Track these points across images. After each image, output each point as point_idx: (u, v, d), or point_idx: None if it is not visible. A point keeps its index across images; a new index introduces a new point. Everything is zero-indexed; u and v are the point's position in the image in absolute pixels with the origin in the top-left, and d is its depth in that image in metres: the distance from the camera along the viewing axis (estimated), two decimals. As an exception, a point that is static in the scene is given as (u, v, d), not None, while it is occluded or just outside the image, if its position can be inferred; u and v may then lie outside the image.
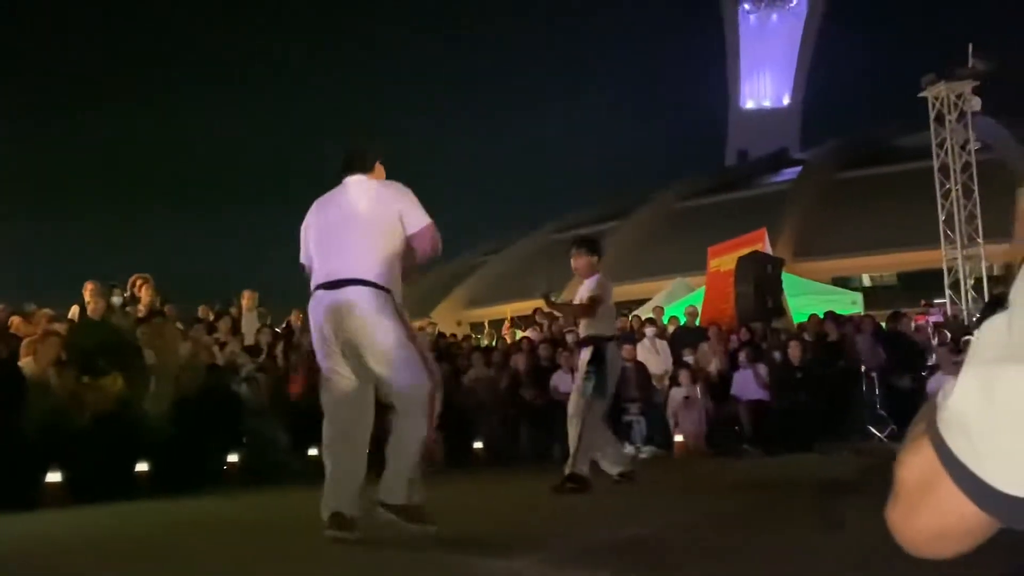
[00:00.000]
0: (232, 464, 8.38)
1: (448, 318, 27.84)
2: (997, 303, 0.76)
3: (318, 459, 8.88)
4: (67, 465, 6.78)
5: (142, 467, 7.37)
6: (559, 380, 10.10)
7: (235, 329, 10.37)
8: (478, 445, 9.98)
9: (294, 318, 11.74)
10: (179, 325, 9.37)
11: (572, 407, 6.56)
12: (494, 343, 13.02)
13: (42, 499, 6.47)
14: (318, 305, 4.31)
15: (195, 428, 7.76)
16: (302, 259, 4.52)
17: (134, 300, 9.62)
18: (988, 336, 0.75)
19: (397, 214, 4.26)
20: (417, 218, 4.29)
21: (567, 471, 6.40)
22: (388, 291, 4.19)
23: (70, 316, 8.83)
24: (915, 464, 0.78)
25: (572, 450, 6.46)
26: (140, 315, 9.08)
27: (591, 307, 6.43)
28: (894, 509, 0.80)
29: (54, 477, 6.73)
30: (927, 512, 0.77)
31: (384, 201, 4.30)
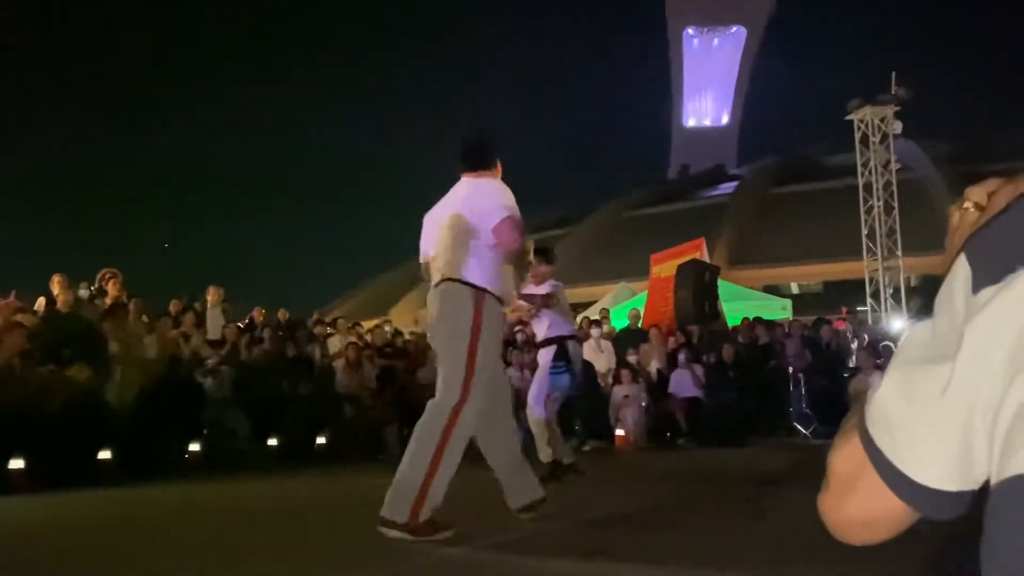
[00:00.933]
0: (194, 453, 8.23)
1: (406, 317, 27.65)
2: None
3: (278, 449, 8.84)
4: (32, 452, 6.59)
5: (105, 455, 7.20)
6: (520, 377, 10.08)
7: (199, 323, 10.20)
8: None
9: (256, 313, 11.60)
10: (145, 318, 9.19)
11: (533, 398, 6.48)
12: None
13: (6, 485, 6.28)
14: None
15: (158, 418, 7.61)
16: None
17: (102, 293, 9.41)
18: (913, 338, 0.77)
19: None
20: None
21: (554, 460, 6.32)
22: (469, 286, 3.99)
23: (36, 308, 8.60)
24: (845, 454, 0.79)
25: (547, 441, 6.36)
26: (107, 308, 8.88)
27: (548, 301, 6.36)
28: (825, 497, 0.81)
29: (17, 464, 6.54)
30: (855, 501, 0.77)
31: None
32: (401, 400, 10.08)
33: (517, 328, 11.83)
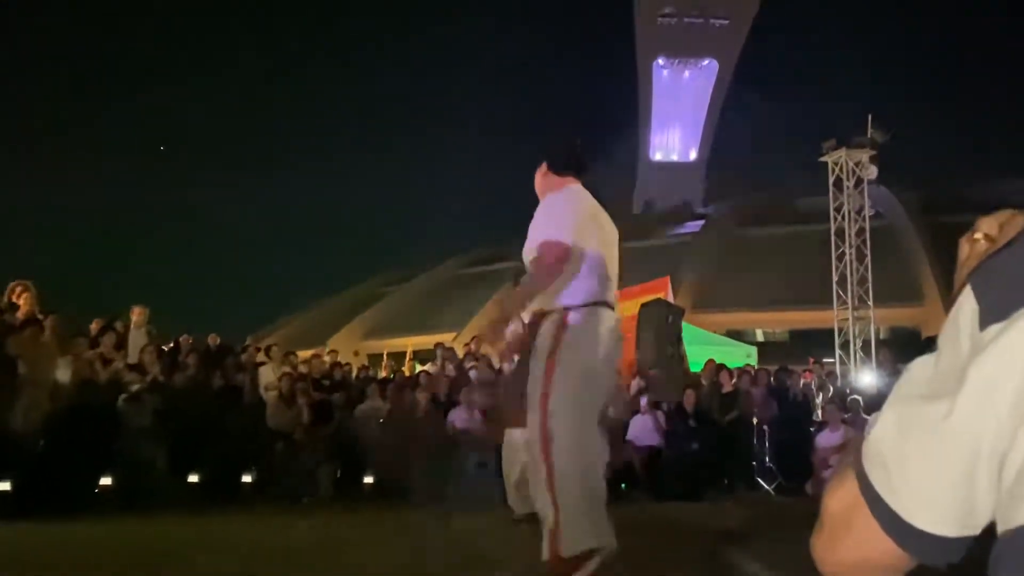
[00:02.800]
0: (104, 487, 8.00)
1: (345, 347, 27.41)
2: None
3: (198, 485, 8.65)
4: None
5: (4, 486, 6.95)
6: (456, 417, 10.02)
7: (120, 345, 9.97)
8: (368, 479, 9.81)
9: (184, 340, 11.37)
10: (58, 337, 8.95)
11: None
12: (392, 375, 12.87)
13: None
14: (609, 325, 3.87)
15: (67, 447, 7.38)
16: (569, 240, 3.76)
17: (12, 308, 9.14)
18: (914, 373, 0.76)
19: None
20: None
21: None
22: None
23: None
24: (840, 493, 0.78)
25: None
26: (16, 324, 8.62)
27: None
28: (818, 538, 0.80)
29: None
30: (849, 542, 0.77)
31: None
32: (338, 438, 9.96)
33: (471, 365, 11.81)
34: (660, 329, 11.77)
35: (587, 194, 4.00)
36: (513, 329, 4.25)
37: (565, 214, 3.81)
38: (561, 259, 3.71)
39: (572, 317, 3.73)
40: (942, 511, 0.72)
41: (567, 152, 4.09)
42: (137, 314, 10.68)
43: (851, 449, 0.79)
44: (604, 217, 4.03)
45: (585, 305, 3.75)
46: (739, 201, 46.82)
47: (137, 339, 10.38)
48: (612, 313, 3.89)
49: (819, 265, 22.92)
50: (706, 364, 12.56)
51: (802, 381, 12.51)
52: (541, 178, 4.07)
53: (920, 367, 0.76)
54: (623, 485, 10.19)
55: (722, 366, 12.30)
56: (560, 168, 4.02)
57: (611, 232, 4.03)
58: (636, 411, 10.66)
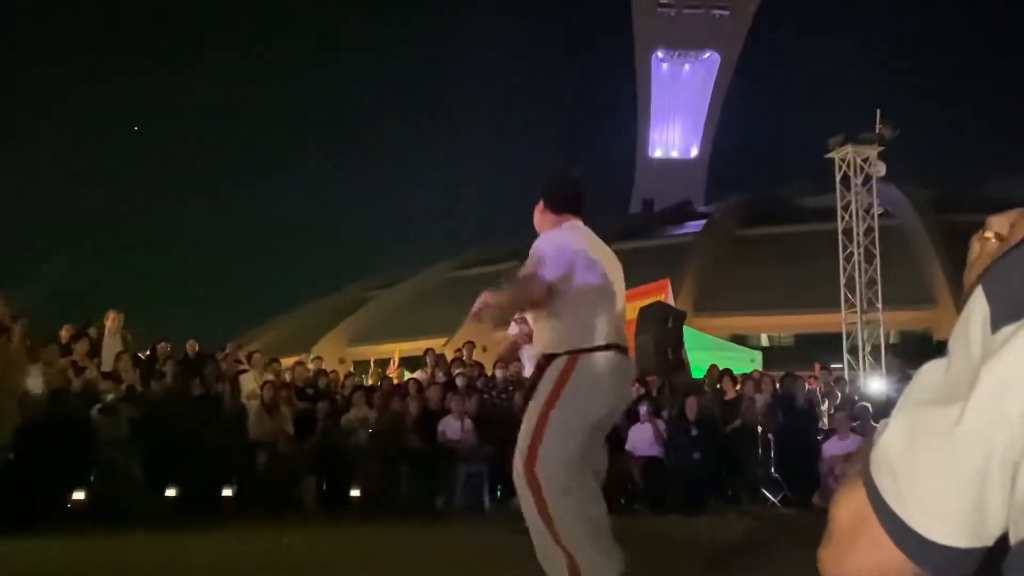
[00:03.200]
0: (78, 502, 7.97)
1: (330, 354, 27.38)
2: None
3: (176, 500, 8.62)
4: None
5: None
6: (447, 426, 10.01)
7: (94, 352, 9.95)
8: (354, 492, 9.80)
9: (161, 348, 11.34)
10: (28, 344, 8.92)
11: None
12: (379, 383, 12.84)
13: None
14: (620, 371, 3.85)
15: (38, 460, 7.36)
16: (555, 277, 3.77)
17: (-21, 314, 9.11)
18: (925, 378, 0.76)
19: None
20: None
21: None
22: None
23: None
24: (848, 503, 0.78)
25: None
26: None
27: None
28: (826, 549, 0.80)
29: None
30: (856, 555, 0.77)
31: None
32: (323, 449, 9.94)
33: (458, 371, 11.80)
34: (660, 333, 11.76)
35: (588, 230, 4.07)
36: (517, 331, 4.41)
37: (561, 249, 3.85)
38: (541, 298, 3.75)
39: (580, 363, 3.74)
40: (952, 521, 0.72)
41: (565, 189, 4.20)
42: (111, 320, 10.66)
43: (859, 458, 0.80)
44: (608, 253, 4.09)
45: (595, 349, 3.75)
46: (742, 199, 46.87)
47: (112, 346, 10.35)
48: (625, 358, 3.89)
49: (826, 266, 22.97)
50: (708, 370, 12.57)
51: (808, 388, 12.53)
52: (539, 216, 4.15)
53: (930, 372, 0.77)
54: (621, 498, 10.19)
55: (725, 372, 12.31)
56: (558, 206, 4.10)
57: (617, 268, 4.07)
58: (635, 419, 10.65)
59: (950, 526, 0.72)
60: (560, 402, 3.69)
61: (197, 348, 11.84)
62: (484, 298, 3.75)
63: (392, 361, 17.83)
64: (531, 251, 3.89)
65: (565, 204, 4.12)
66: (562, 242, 3.89)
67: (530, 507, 3.63)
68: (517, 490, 3.73)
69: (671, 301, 14.42)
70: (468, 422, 10.00)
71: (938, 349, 0.83)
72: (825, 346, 24.37)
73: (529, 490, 3.61)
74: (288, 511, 8.89)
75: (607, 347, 3.77)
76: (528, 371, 5.71)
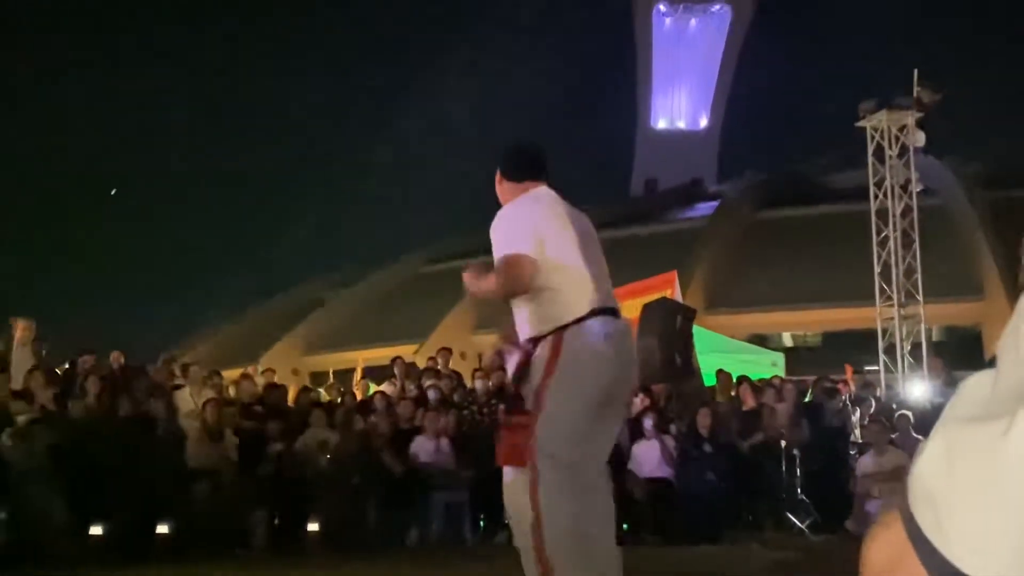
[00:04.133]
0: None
1: (282, 365, 27.25)
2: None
3: (104, 539, 8.58)
4: None
5: None
6: (420, 447, 10.01)
7: (2, 368, 9.89)
8: (312, 527, 9.77)
9: (82, 360, 11.28)
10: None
11: None
12: (340, 398, 12.82)
13: None
14: (616, 335, 4.07)
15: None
16: (531, 251, 3.99)
17: None
18: (969, 391, 0.76)
19: None
20: None
21: None
22: None
23: None
24: (883, 539, 0.78)
25: None
26: None
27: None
28: None
29: None
30: None
31: None
32: (274, 477, 9.92)
33: (431, 383, 11.81)
34: (666, 334, 11.76)
35: (552, 194, 4.29)
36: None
37: (523, 222, 4.08)
38: (528, 273, 3.96)
39: (567, 337, 3.90)
40: (1000, 557, 0.71)
41: (521, 155, 4.48)
42: (21, 329, 10.58)
43: (898, 485, 0.79)
44: (577, 214, 4.31)
45: (581, 320, 3.92)
46: (760, 177, 47.04)
47: (22, 360, 10.28)
48: (618, 320, 4.14)
49: (858, 253, 23.04)
50: (717, 376, 12.61)
51: (839, 395, 12.59)
52: (499, 189, 4.38)
53: (974, 385, 0.77)
54: (624, 525, 10.22)
55: (743, 378, 12.36)
56: (516, 174, 4.34)
57: (589, 228, 4.33)
58: (639, 435, 10.69)
59: (996, 563, 0.71)
60: (554, 382, 3.83)
61: (123, 360, 11.79)
62: (469, 284, 4.05)
63: (355, 372, 17.79)
64: (492, 232, 4.11)
65: (525, 170, 4.36)
66: (522, 214, 4.13)
67: (523, 509, 3.73)
68: (506, 493, 3.89)
69: (679, 297, 14.45)
70: (444, 442, 10.01)
71: (989, 363, 0.83)
72: (858, 346, 24.46)
73: (525, 483, 3.73)
74: (235, 550, 8.86)
75: (592, 313, 3.95)
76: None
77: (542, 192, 4.28)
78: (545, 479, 3.71)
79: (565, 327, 3.90)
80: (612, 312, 4.08)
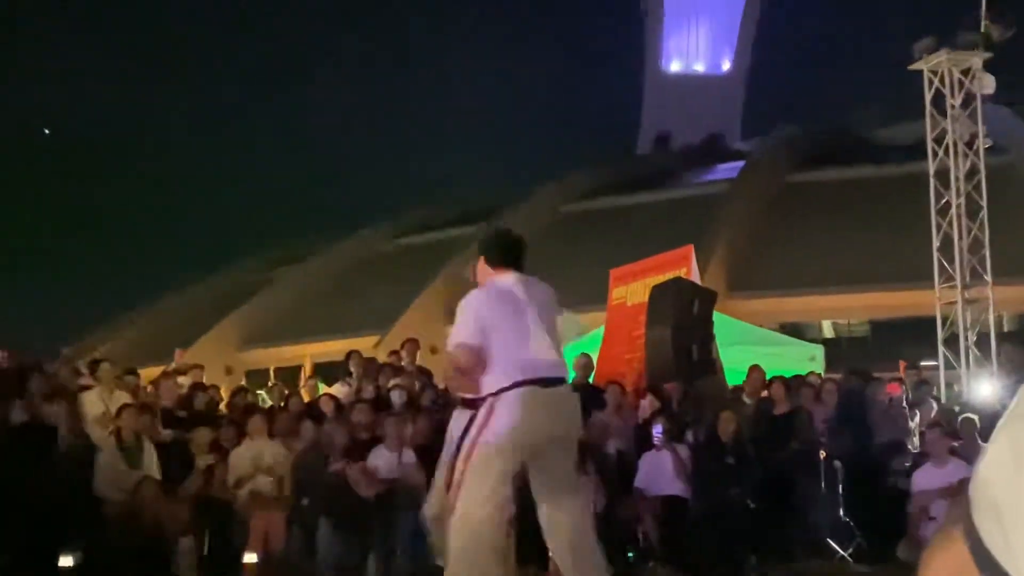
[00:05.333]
0: None
1: (213, 362, 27.23)
2: None
3: (-5, 573, 8.55)
4: None
5: None
6: (381, 460, 10.01)
7: None
8: (250, 557, 9.78)
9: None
10: None
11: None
12: (282, 403, 12.82)
13: None
14: (534, 402, 5.89)
15: None
16: (472, 339, 5.99)
17: None
18: None
19: None
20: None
21: None
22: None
23: None
24: (941, 562, 0.78)
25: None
26: None
27: None
28: None
29: None
30: None
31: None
32: (203, 498, 9.91)
33: (394, 383, 11.82)
34: (680, 323, 11.83)
35: (511, 284, 6.18)
36: None
37: (470, 314, 6.06)
38: (469, 363, 5.95)
39: (500, 403, 5.79)
40: None
41: (499, 244, 6.49)
42: None
43: (959, 497, 0.79)
44: (533, 292, 6.22)
45: (510, 388, 5.79)
46: (794, 132, 47.08)
47: None
48: (540, 390, 5.89)
49: (913, 224, 23.10)
50: (749, 373, 12.66)
51: (890, 395, 12.64)
52: (479, 269, 6.36)
53: None
54: (629, 554, 10.26)
55: (774, 377, 12.40)
56: (491, 259, 6.32)
57: (544, 301, 6.25)
58: (647, 445, 10.71)
59: None
60: (481, 439, 5.76)
61: (16, 357, 11.76)
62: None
63: (302, 370, 17.82)
64: (457, 313, 6.15)
65: (499, 259, 6.33)
66: (473, 306, 6.14)
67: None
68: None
69: (696, 277, 14.49)
70: (409, 454, 10.01)
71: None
72: (913, 336, 24.61)
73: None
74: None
75: (518, 384, 5.78)
76: None
77: (506, 282, 6.19)
78: (455, 529, 5.74)
79: (497, 394, 5.78)
80: (539, 381, 5.86)
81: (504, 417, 5.74)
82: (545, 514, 6.03)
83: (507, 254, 6.34)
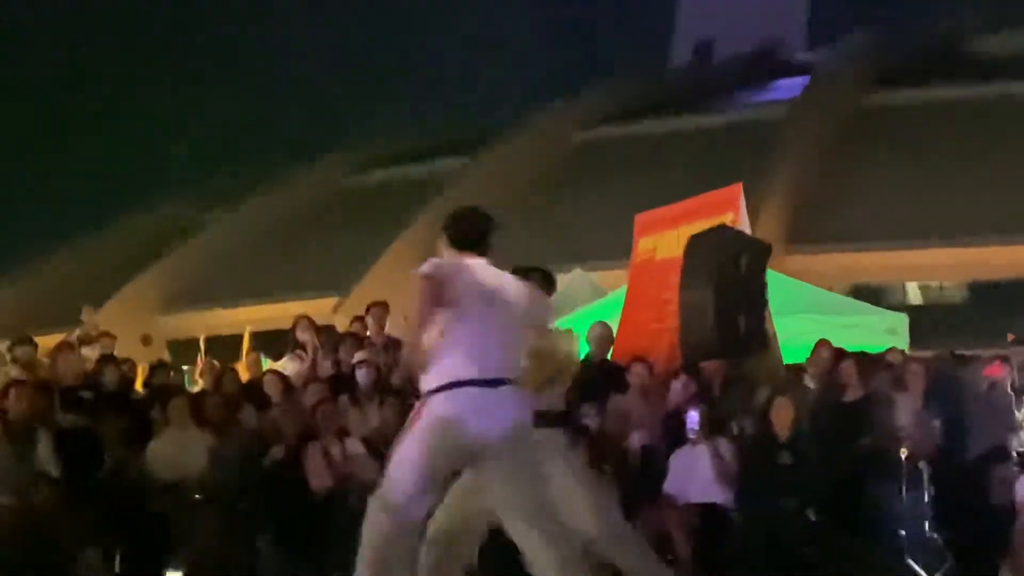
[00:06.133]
0: None
1: (126, 329, 27.11)
2: None
3: None
4: None
5: None
6: (339, 451, 10.06)
7: None
8: (174, 574, 9.85)
9: None
10: None
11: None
12: (214, 381, 12.83)
13: None
14: (457, 404, 6.50)
15: None
16: (415, 336, 6.71)
17: None
18: None
19: None
20: None
21: None
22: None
23: None
24: None
25: None
26: None
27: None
28: None
29: None
30: None
31: None
32: (114, 500, 9.93)
33: (359, 357, 11.83)
34: (724, 284, 11.80)
35: (475, 272, 6.69)
36: None
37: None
38: (411, 352, 6.90)
39: (432, 401, 6.52)
40: None
41: (465, 226, 7.01)
42: None
43: None
44: (499, 283, 6.82)
45: (442, 389, 6.49)
46: (872, 40, 46.90)
47: None
48: (469, 390, 6.49)
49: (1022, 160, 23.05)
50: (814, 349, 12.65)
51: (993, 379, 12.63)
52: (440, 249, 6.92)
53: None
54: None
55: (843, 352, 12.39)
56: (454, 242, 6.89)
57: (509, 295, 6.82)
58: (679, 440, 10.71)
59: None
60: (410, 437, 6.56)
61: None
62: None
63: (242, 341, 17.83)
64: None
65: (462, 242, 6.89)
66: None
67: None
68: None
69: (745, 226, 14.45)
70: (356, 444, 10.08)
71: None
72: (1021, 303, 24.55)
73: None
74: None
75: (448, 385, 6.46)
76: None
77: (469, 268, 6.68)
78: (369, 512, 6.49)
79: (434, 392, 6.50)
80: (473, 383, 6.46)
81: (432, 418, 6.50)
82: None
83: (469, 234, 6.94)
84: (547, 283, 8.16)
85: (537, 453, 6.81)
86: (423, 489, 6.49)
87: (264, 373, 12.54)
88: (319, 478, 9.98)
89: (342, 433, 10.22)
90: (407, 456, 6.50)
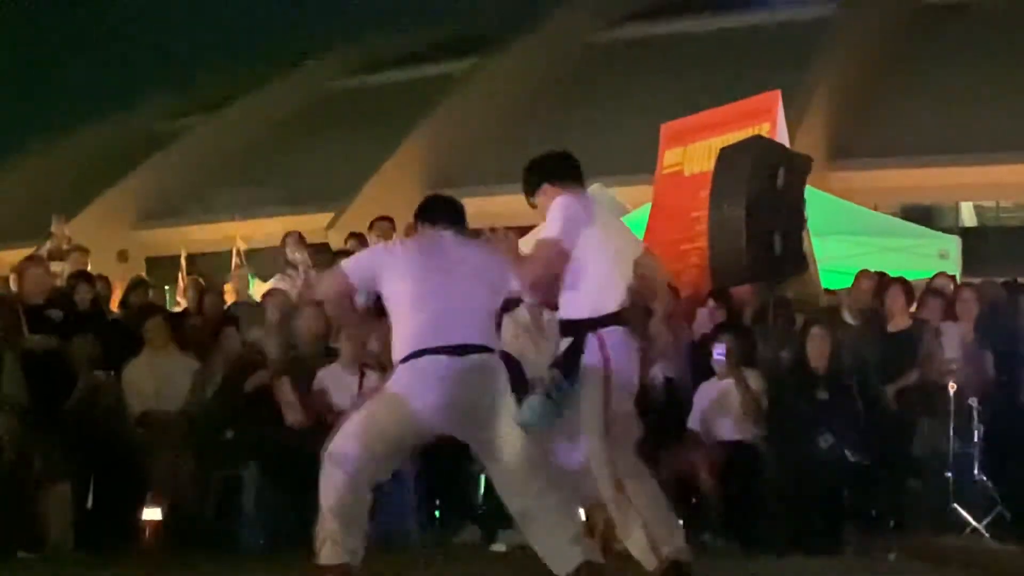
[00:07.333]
0: None
1: (100, 243, 27.15)
2: None
3: None
4: None
5: None
6: (331, 380, 10.11)
7: None
8: (151, 513, 9.88)
9: None
10: None
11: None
12: (197, 301, 12.86)
13: None
14: (418, 374, 6.94)
15: None
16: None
17: None
18: None
19: None
20: None
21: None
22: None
23: None
24: None
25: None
26: None
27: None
28: None
29: None
30: None
31: None
32: (85, 430, 9.99)
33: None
34: (759, 201, 11.79)
35: (434, 241, 7.29)
36: None
37: (380, 262, 7.39)
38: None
39: (398, 371, 6.96)
40: None
41: (429, 204, 7.68)
42: None
43: None
44: (463, 251, 7.27)
45: (410, 357, 6.90)
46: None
47: None
48: (460, 358, 6.87)
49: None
50: (858, 276, 12.64)
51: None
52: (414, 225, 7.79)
53: None
54: (682, 520, 10.34)
55: (887, 278, 12.39)
56: (423, 218, 7.53)
57: (471, 262, 7.21)
58: (705, 372, 10.72)
59: None
60: (377, 398, 7.12)
61: None
62: None
63: (231, 257, 17.89)
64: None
65: (427, 218, 7.47)
66: (387, 255, 7.47)
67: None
68: None
69: (783, 138, 14.42)
70: (373, 377, 10.09)
71: None
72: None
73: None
74: (22, 547, 8.99)
75: (411, 355, 6.86)
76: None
77: (433, 238, 7.30)
78: (324, 467, 6.92)
79: (402, 361, 6.93)
80: (434, 351, 6.85)
81: (396, 388, 6.98)
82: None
83: (433, 211, 7.55)
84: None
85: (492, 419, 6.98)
86: (370, 456, 6.86)
87: (265, 294, 12.43)
88: (294, 413, 10.00)
89: (365, 366, 10.22)
90: (357, 419, 6.97)
